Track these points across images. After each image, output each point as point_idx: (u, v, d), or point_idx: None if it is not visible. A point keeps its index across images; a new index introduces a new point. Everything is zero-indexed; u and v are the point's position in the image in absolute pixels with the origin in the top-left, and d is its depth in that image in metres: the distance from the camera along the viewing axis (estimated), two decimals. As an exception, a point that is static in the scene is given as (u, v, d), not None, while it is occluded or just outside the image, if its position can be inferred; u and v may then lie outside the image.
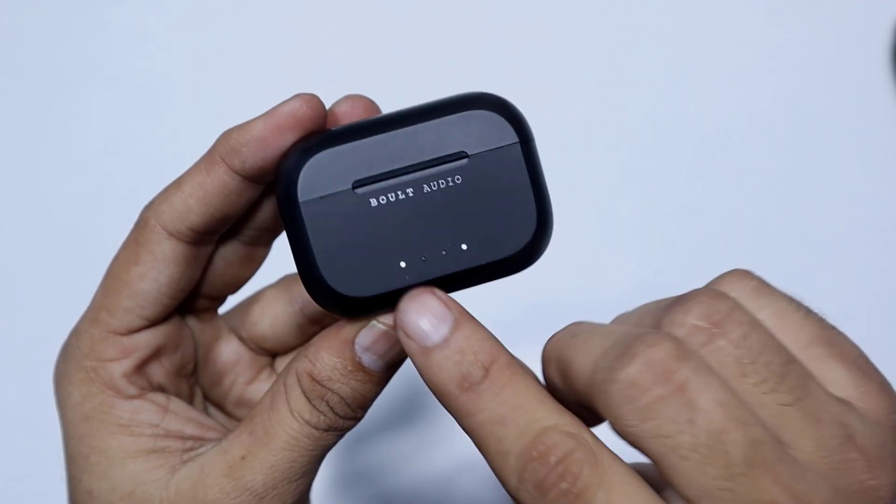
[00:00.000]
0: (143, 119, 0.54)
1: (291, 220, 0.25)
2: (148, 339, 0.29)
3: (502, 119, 0.25)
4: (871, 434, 0.22)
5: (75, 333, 0.29)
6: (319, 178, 0.25)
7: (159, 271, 0.28)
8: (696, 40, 0.55)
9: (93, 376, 0.28)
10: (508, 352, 0.23)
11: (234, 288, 0.32)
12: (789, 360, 0.22)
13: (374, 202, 0.25)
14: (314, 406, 0.26)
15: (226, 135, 0.27)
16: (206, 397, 0.33)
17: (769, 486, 0.20)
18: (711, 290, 0.23)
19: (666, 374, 0.20)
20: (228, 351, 0.32)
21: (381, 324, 0.26)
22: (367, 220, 0.25)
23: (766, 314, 0.23)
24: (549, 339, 0.25)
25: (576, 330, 0.24)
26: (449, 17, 0.56)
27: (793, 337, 0.23)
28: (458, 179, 0.25)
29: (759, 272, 0.50)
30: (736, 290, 0.23)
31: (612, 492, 0.21)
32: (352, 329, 0.26)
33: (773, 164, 0.52)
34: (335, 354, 0.26)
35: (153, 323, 0.29)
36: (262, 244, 0.31)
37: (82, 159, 0.53)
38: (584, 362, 0.22)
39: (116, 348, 0.28)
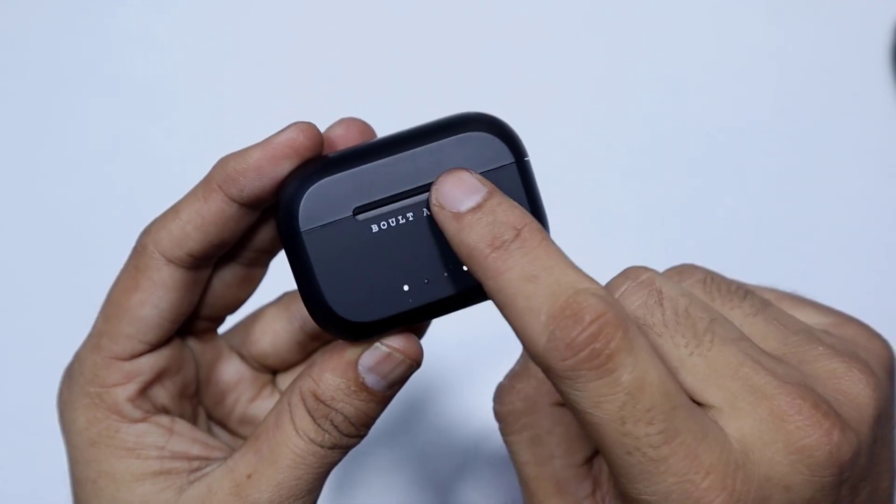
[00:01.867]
0: (143, 120, 0.54)
1: (294, 249, 0.26)
2: (150, 363, 0.29)
3: (498, 140, 0.26)
4: (839, 341, 0.25)
5: (78, 360, 0.30)
6: (320, 206, 0.25)
7: (160, 297, 0.28)
8: (696, 41, 0.55)
9: (97, 402, 0.29)
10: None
11: (233, 308, 0.32)
12: (749, 290, 0.26)
13: (375, 228, 0.25)
14: (319, 425, 0.27)
15: (222, 162, 0.27)
16: (210, 416, 0.33)
17: (736, 354, 0.23)
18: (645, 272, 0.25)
19: (637, 275, 0.24)
20: (230, 370, 0.33)
21: (384, 346, 0.26)
22: (369, 245, 0.25)
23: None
24: None
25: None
26: (450, 17, 0.56)
27: (762, 294, 0.26)
28: None
29: (759, 272, 0.51)
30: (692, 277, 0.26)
31: (638, 359, 0.21)
32: (355, 350, 0.27)
33: (773, 164, 0.52)
34: (339, 375, 0.27)
35: (155, 347, 0.29)
36: (260, 265, 0.32)
37: (82, 160, 0.53)
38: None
39: (119, 373, 0.29)
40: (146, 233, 0.29)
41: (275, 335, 0.33)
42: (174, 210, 0.28)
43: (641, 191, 0.52)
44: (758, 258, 0.50)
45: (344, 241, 0.25)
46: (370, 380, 0.27)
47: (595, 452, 0.28)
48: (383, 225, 0.25)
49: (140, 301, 0.28)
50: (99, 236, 0.51)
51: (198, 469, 0.29)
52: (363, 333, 0.26)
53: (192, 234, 0.28)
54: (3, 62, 0.55)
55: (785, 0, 0.55)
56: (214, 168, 0.28)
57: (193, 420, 0.32)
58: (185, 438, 0.29)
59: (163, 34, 0.56)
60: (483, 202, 0.24)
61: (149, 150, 0.53)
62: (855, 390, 0.23)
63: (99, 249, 0.51)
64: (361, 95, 0.54)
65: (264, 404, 0.33)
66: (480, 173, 0.25)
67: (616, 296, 0.24)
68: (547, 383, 0.27)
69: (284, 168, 0.27)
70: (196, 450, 0.29)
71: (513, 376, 0.29)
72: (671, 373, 0.22)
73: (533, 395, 0.28)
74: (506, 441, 0.29)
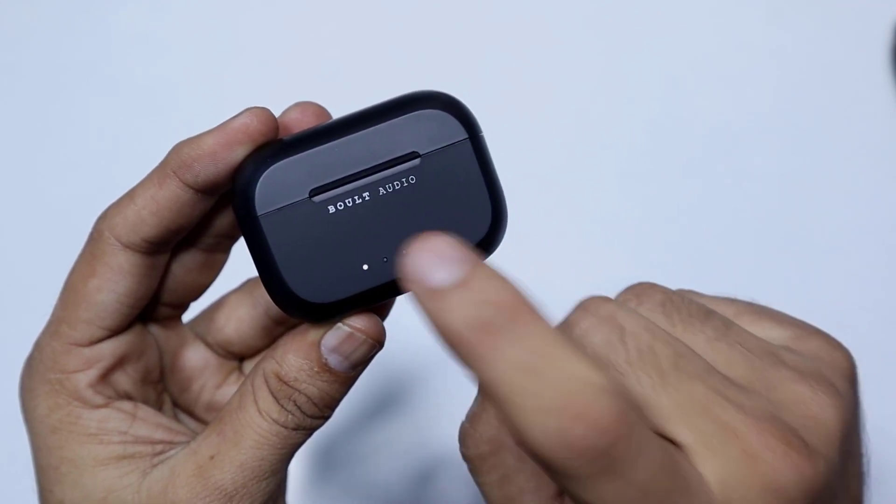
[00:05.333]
0: (143, 120, 0.54)
1: (251, 234, 0.26)
2: (111, 349, 0.29)
3: (450, 116, 0.26)
4: (802, 361, 0.24)
5: (37, 347, 0.29)
6: (275, 189, 0.25)
7: (116, 282, 0.28)
8: (696, 41, 0.55)
9: (58, 388, 0.29)
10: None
11: (196, 295, 0.32)
12: (709, 311, 0.24)
13: (331, 209, 0.25)
14: (282, 406, 0.27)
15: (177, 148, 0.27)
16: (176, 404, 0.33)
17: (702, 390, 0.21)
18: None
19: (597, 309, 0.23)
20: (195, 357, 0.33)
21: (346, 326, 0.26)
22: (327, 226, 0.25)
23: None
24: None
25: None
26: (448, 17, 0.56)
27: (722, 310, 0.25)
28: (413, 179, 0.26)
29: (758, 272, 0.51)
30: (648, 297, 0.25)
31: (640, 457, 0.19)
32: (317, 332, 0.27)
33: (772, 164, 0.52)
34: (302, 356, 0.27)
35: (114, 332, 0.29)
36: (221, 250, 0.32)
37: (82, 160, 0.53)
38: None
39: (79, 359, 0.29)
40: (102, 218, 0.29)
41: (239, 321, 0.33)
42: (129, 195, 0.28)
43: (640, 191, 0.52)
44: (757, 258, 0.50)
45: (301, 223, 0.25)
46: (333, 360, 0.27)
47: None
48: (340, 206, 0.25)
49: (97, 286, 0.28)
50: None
51: (161, 452, 0.29)
52: (325, 314, 0.26)
53: (147, 219, 0.28)
54: (3, 62, 0.55)
55: (785, 0, 0.55)
56: (169, 154, 0.28)
57: (158, 407, 0.31)
58: (148, 423, 0.29)
59: (163, 34, 0.56)
60: (467, 277, 0.19)
61: (149, 150, 0.53)
62: (823, 415, 0.23)
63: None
64: (361, 95, 0.54)
65: (230, 391, 0.33)
66: (434, 151, 0.26)
67: (576, 333, 0.23)
68: None
69: (239, 153, 0.26)
70: (160, 434, 0.29)
71: (473, 419, 0.26)
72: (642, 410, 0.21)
73: (496, 435, 0.26)
74: (476, 482, 0.27)
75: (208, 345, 0.33)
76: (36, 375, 0.29)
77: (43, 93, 0.55)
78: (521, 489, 0.26)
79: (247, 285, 0.33)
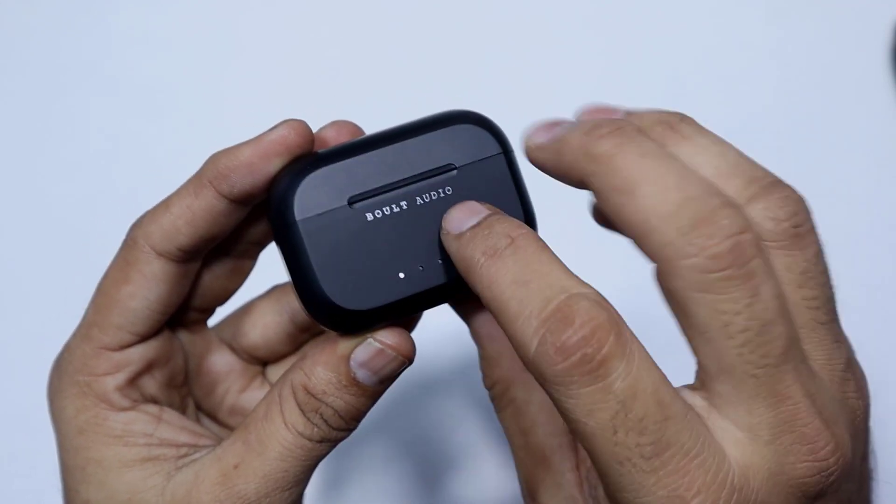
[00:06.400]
0: (142, 120, 0.54)
1: (288, 239, 0.26)
2: (139, 354, 0.30)
3: (485, 132, 0.27)
4: (860, 366, 0.25)
5: (67, 350, 0.30)
6: (315, 196, 0.25)
7: (149, 290, 0.29)
8: (696, 41, 0.55)
9: (86, 390, 0.29)
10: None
11: (223, 300, 0.33)
12: (834, 292, 0.24)
13: (370, 216, 0.26)
14: (308, 418, 0.27)
15: (214, 159, 0.28)
16: (199, 408, 0.33)
17: (791, 382, 0.21)
18: (797, 193, 0.24)
19: (742, 258, 0.21)
20: (220, 361, 0.33)
21: (377, 342, 0.26)
22: (365, 233, 0.26)
23: None
24: (573, 130, 0.24)
25: (641, 145, 0.23)
26: (447, 17, 0.56)
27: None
28: (449, 190, 0.26)
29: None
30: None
31: (631, 365, 0.21)
32: (347, 345, 0.27)
33: (772, 164, 0.52)
34: (331, 369, 0.27)
35: (144, 338, 0.30)
36: (249, 257, 0.32)
37: (82, 160, 0.53)
38: (657, 203, 0.21)
39: (108, 363, 0.29)
40: (136, 226, 0.29)
41: (265, 327, 0.33)
42: (165, 204, 0.28)
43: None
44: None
45: (339, 230, 0.25)
46: (361, 375, 0.27)
47: None
48: (378, 213, 0.26)
49: (130, 293, 0.29)
50: (99, 236, 0.51)
51: (185, 455, 0.29)
52: (359, 323, 0.26)
53: (182, 228, 0.28)
54: (3, 62, 0.55)
55: (785, 0, 0.55)
56: (206, 164, 0.28)
57: (182, 410, 0.32)
58: (173, 426, 0.30)
59: (163, 34, 0.56)
60: (482, 220, 0.24)
61: (149, 150, 0.53)
62: (857, 418, 0.23)
63: (99, 249, 0.51)
64: (361, 95, 0.54)
65: (254, 395, 0.33)
66: (469, 163, 0.26)
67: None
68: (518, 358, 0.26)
69: (275, 165, 0.27)
70: (184, 437, 0.29)
71: (484, 363, 0.29)
72: (666, 381, 0.21)
73: (505, 374, 0.28)
74: (498, 418, 0.29)
75: (233, 350, 0.33)
76: (65, 377, 0.29)
77: (43, 93, 0.55)
78: (534, 421, 0.28)
79: (274, 292, 0.34)
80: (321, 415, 0.27)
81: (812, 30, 0.55)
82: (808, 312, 0.23)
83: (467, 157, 0.26)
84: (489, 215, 0.24)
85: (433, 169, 0.26)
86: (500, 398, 0.28)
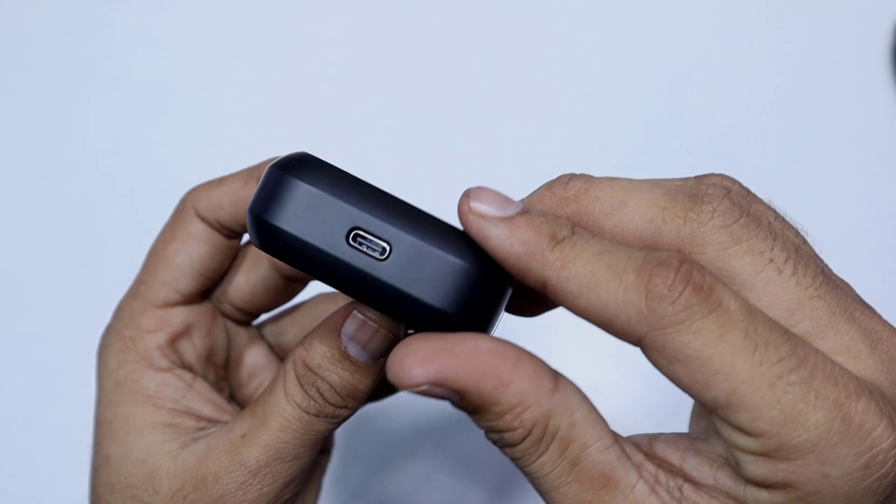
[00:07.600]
0: (142, 120, 0.54)
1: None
2: (181, 315, 0.32)
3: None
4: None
5: (119, 308, 0.32)
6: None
7: (192, 248, 0.31)
8: (696, 41, 0.55)
9: (129, 345, 0.31)
10: None
11: (269, 310, 0.34)
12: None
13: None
14: (306, 391, 0.28)
15: (271, 161, 0.29)
16: (232, 397, 0.34)
17: (847, 300, 0.23)
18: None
19: (744, 208, 0.23)
20: (258, 356, 0.35)
21: (359, 314, 0.27)
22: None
23: None
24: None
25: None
26: (447, 17, 0.56)
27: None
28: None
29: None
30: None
31: (731, 289, 0.21)
32: (339, 317, 0.27)
33: (772, 163, 0.52)
34: (325, 343, 0.27)
35: (186, 299, 0.32)
36: (300, 280, 0.34)
37: (82, 160, 0.53)
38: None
39: (153, 320, 0.31)
40: (189, 193, 0.32)
41: (301, 329, 0.35)
42: (219, 181, 0.31)
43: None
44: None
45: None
46: (352, 349, 0.27)
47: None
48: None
49: (175, 250, 0.31)
50: (99, 236, 0.51)
51: (203, 429, 0.30)
52: (273, 240, 0.24)
53: (225, 206, 0.31)
54: (3, 62, 0.55)
55: (785, 0, 0.55)
56: (263, 163, 0.30)
57: (217, 391, 0.33)
58: (201, 397, 0.31)
59: (163, 34, 0.56)
60: (528, 209, 0.23)
61: (149, 150, 0.53)
62: None
63: (99, 249, 0.51)
64: (360, 95, 0.54)
65: None
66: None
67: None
68: (538, 382, 0.23)
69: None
70: (208, 410, 0.31)
71: (512, 416, 0.23)
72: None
73: (539, 408, 0.23)
74: (530, 472, 0.24)
75: (271, 347, 0.35)
76: (112, 332, 0.31)
77: (42, 93, 0.55)
78: (584, 443, 0.23)
79: (316, 298, 0.35)
80: (317, 388, 0.27)
81: (812, 30, 0.55)
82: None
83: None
84: (531, 205, 0.24)
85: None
86: (538, 442, 0.23)
